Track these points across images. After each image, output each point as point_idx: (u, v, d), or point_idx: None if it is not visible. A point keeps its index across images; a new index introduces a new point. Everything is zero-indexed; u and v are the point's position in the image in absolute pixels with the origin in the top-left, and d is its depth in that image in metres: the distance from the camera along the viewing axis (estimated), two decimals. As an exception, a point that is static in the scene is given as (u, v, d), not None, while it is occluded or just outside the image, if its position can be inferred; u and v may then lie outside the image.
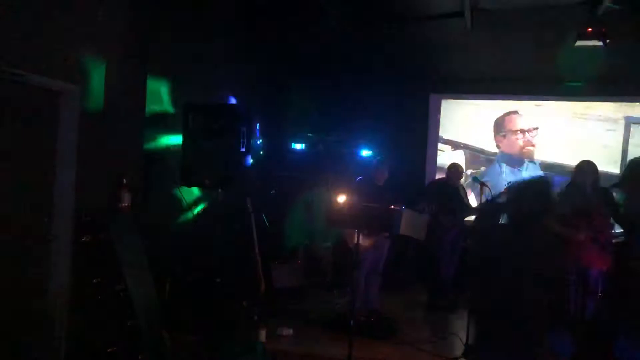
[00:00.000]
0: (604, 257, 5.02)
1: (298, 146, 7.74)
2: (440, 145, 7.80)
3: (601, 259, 4.79)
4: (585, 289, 4.66)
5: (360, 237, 4.93)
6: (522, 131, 7.48)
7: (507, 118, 7.59)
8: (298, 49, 7.02)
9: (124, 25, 4.41)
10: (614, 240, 5.90)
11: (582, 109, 7.31)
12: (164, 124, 5.02)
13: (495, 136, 7.62)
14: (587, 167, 4.70)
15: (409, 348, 4.59)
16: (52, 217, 3.85)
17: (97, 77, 4.11)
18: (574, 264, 4.64)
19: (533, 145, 7.44)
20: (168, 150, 5.00)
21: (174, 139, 5.00)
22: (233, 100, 6.08)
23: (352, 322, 4.21)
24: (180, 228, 5.15)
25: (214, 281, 4.70)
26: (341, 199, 5.24)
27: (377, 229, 4.89)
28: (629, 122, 7.12)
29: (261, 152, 6.98)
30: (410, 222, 4.90)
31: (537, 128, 7.42)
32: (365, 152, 7.34)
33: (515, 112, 7.56)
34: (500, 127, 7.61)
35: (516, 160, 7.49)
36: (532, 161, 7.44)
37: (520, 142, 7.47)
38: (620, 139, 7.13)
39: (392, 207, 4.73)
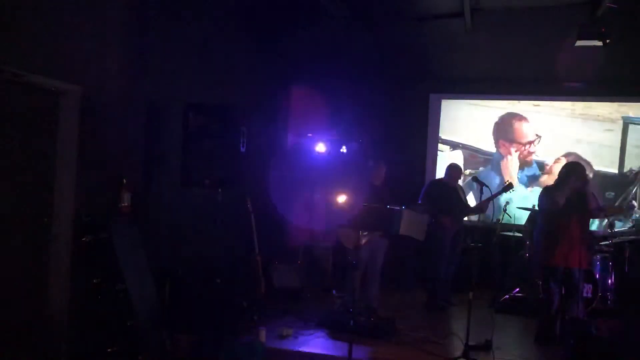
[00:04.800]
0: (588, 257, 5.05)
1: (297, 146, 7.73)
2: (439, 146, 7.80)
3: (586, 259, 4.83)
4: (573, 288, 4.69)
5: (354, 236, 4.95)
6: (529, 142, 7.48)
7: (516, 124, 7.53)
8: (298, 49, 7.02)
9: (124, 25, 4.40)
10: (612, 241, 5.95)
11: (580, 109, 7.31)
12: (164, 123, 5.01)
13: (498, 139, 7.60)
14: (578, 167, 4.76)
15: (409, 348, 4.59)
16: (52, 217, 3.85)
17: (98, 77, 4.10)
18: (562, 263, 4.66)
19: (534, 152, 7.46)
20: (168, 150, 4.99)
21: (174, 139, 4.98)
22: (233, 100, 6.07)
23: (352, 322, 4.21)
24: (180, 228, 5.15)
25: (214, 281, 4.70)
26: (341, 198, 5.24)
27: (372, 228, 4.88)
28: (627, 122, 7.13)
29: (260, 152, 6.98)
30: (410, 222, 4.88)
31: (540, 136, 7.42)
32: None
33: (521, 118, 7.52)
34: (507, 132, 7.56)
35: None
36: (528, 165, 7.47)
37: (525, 152, 7.47)
38: (619, 139, 7.14)
39: (392, 207, 4.73)
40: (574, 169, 4.75)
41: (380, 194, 5.14)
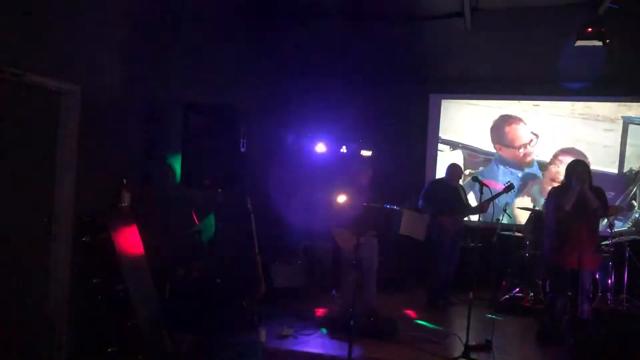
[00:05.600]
0: (597, 258, 5.03)
1: (297, 146, 7.72)
2: (439, 146, 7.79)
3: (592, 260, 4.81)
4: (576, 289, 4.67)
5: (345, 236, 4.97)
6: (524, 145, 7.45)
7: (507, 129, 7.50)
8: (298, 49, 7.02)
9: (124, 25, 4.40)
10: (612, 241, 5.95)
11: (581, 109, 7.31)
12: (164, 123, 5.01)
13: (494, 144, 7.58)
14: (581, 167, 4.73)
15: (409, 348, 4.59)
16: (52, 217, 3.85)
17: (98, 77, 4.10)
18: (567, 264, 4.65)
19: (532, 152, 7.44)
20: (168, 150, 5.00)
21: (174, 139, 4.99)
22: (233, 100, 6.07)
23: (352, 322, 4.21)
24: (180, 228, 5.15)
25: (214, 281, 4.70)
26: (341, 198, 5.24)
27: (372, 228, 4.88)
28: (627, 122, 7.13)
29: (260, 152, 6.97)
30: (410, 222, 4.90)
31: (537, 135, 7.40)
32: (365, 152, 7.27)
33: (516, 120, 7.48)
34: (501, 137, 7.53)
35: (515, 164, 7.50)
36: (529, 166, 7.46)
37: (521, 154, 7.46)
38: (619, 139, 7.13)
39: (391, 207, 4.73)
40: (574, 170, 4.71)
41: (366, 193, 5.11)
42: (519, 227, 6.64)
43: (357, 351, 4.18)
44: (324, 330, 4.95)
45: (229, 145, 4.56)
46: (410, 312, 5.73)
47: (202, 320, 4.49)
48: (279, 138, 7.82)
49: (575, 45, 5.38)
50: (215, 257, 4.88)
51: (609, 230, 6.05)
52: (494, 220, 6.41)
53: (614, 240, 5.96)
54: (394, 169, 7.29)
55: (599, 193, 4.72)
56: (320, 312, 5.46)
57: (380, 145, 7.56)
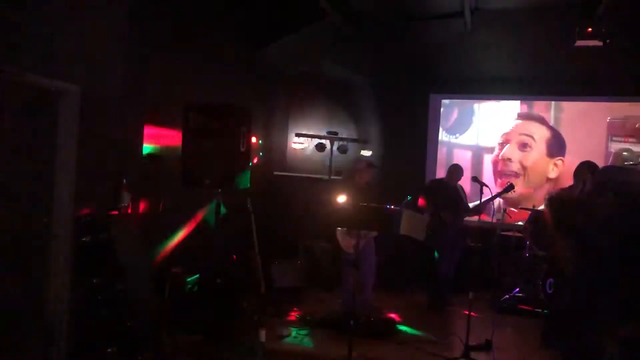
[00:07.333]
0: None
1: (297, 146, 7.75)
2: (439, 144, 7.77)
3: None
4: None
5: (344, 237, 4.97)
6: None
7: None
8: (298, 49, 7.02)
9: (125, 25, 4.40)
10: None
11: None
12: (164, 123, 5.01)
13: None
14: (587, 168, 4.71)
15: (409, 348, 4.60)
16: (52, 217, 3.84)
17: (98, 77, 4.10)
18: None
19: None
20: (168, 150, 5.00)
21: (174, 139, 4.99)
22: (233, 100, 6.07)
23: (352, 322, 4.21)
24: (180, 228, 5.15)
25: (214, 281, 4.70)
26: (341, 198, 5.24)
27: (372, 228, 4.89)
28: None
29: (261, 153, 6.98)
30: (410, 222, 4.89)
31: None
32: (365, 152, 7.37)
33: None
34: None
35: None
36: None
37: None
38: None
39: (392, 207, 4.73)
40: (576, 171, 4.71)
41: (362, 193, 5.12)
42: (519, 227, 6.64)
43: (357, 351, 4.18)
44: (324, 330, 4.95)
45: (229, 145, 4.56)
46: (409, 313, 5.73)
47: (202, 320, 4.49)
48: (279, 138, 7.83)
49: (575, 45, 5.38)
50: (215, 257, 4.88)
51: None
52: (494, 220, 6.41)
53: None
54: (394, 169, 7.30)
55: None
56: (320, 312, 5.45)
57: (380, 145, 7.58)
